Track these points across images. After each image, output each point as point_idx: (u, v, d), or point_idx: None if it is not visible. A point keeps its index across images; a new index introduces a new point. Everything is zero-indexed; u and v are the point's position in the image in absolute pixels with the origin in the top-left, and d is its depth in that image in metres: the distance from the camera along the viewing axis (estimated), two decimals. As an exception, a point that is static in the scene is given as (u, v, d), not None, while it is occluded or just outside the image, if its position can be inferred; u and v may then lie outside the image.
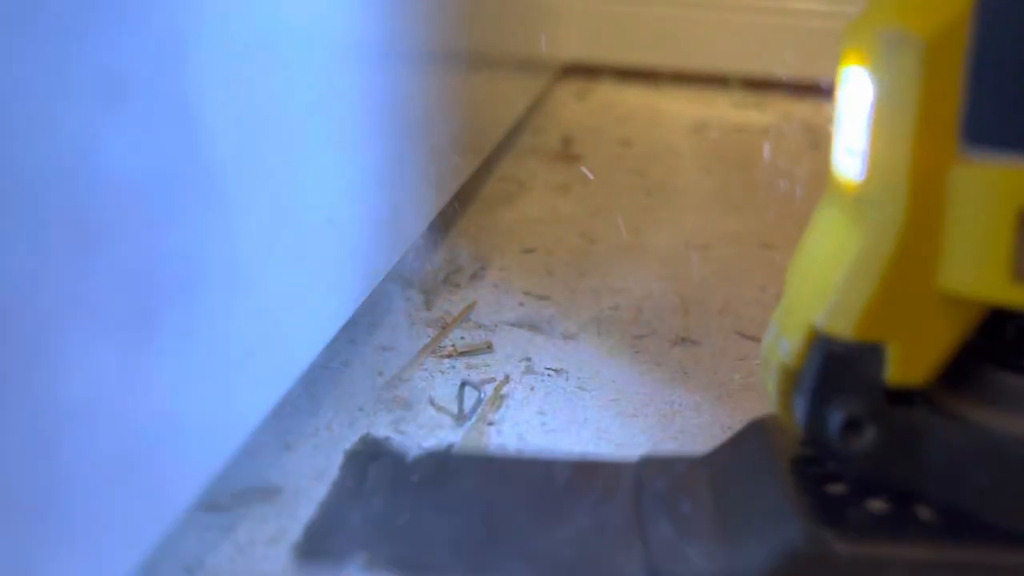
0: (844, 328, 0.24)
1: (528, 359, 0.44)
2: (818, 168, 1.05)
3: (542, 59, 1.34)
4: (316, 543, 0.27)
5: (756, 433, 0.29)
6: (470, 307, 0.49)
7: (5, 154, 0.16)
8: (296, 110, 0.30)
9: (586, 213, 0.71)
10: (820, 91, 1.75)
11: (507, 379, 0.41)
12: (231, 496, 0.32)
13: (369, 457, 0.31)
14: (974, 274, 0.22)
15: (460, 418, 0.37)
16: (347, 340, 0.45)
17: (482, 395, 0.39)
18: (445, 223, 0.65)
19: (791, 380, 0.25)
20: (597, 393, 0.40)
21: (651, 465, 0.31)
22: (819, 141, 1.20)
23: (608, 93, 1.67)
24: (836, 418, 0.24)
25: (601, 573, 0.26)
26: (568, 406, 0.39)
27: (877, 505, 0.25)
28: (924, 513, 0.25)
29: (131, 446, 0.21)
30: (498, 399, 0.39)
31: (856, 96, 0.24)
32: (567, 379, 0.42)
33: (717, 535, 0.26)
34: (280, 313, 0.30)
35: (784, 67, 1.75)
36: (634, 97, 1.65)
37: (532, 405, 0.39)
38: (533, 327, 0.47)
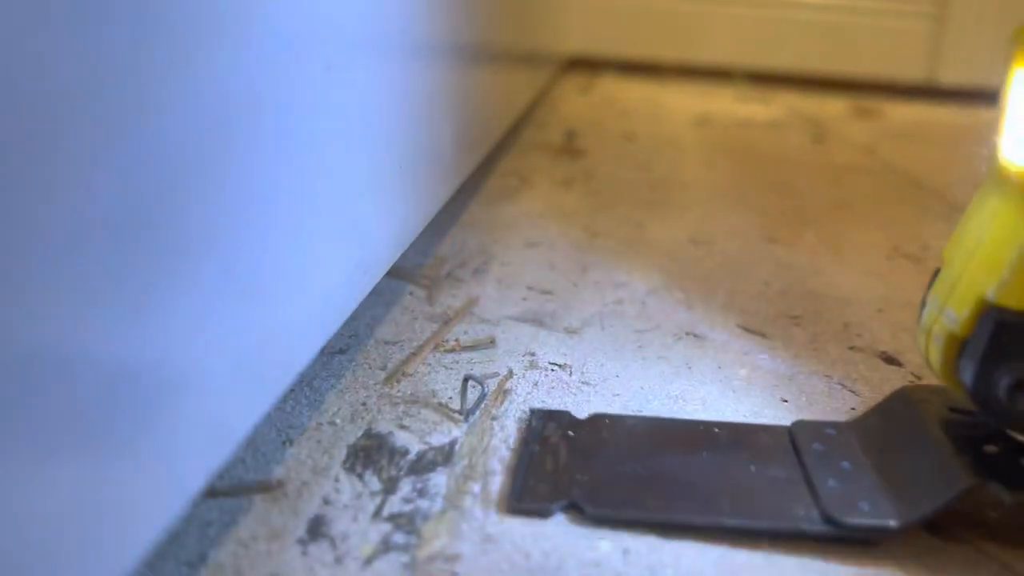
0: (1015, 301, 0.27)
1: (531, 354, 0.43)
2: (822, 162, 1.05)
3: (546, 53, 1.34)
4: (520, 498, 0.30)
5: (903, 401, 0.33)
6: (472, 303, 0.49)
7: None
8: (308, 105, 0.30)
9: (589, 208, 0.71)
10: (825, 85, 1.74)
11: (510, 374, 0.41)
12: (233, 489, 0.31)
13: (543, 421, 0.36)
14: None
15: (464, 413, 0.37)
16: (349, 335, 0.44)
17: (485, 390, 0.39)
18: (448, 217, 0.65)
19: (957, 347, 0.28)
20: (601, 388, 0.40)
21: (803, 429, 0.34)
22: (823, 135, 1.20)
23: (611, 87, 1.67)
24: (1005, 380, 0.27)
25: (783, 519, 0.29)
26: (571, 401, 0.39)
27: None
28: None
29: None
30: (501, 394, 0.39)
31: None
32: (570, 374, 0.42)
33: (882, 489, 0.29)
34: (283, 307, 0.30)
35: (788, 61, 1.74)
36: (637, 91, 1.65)
37: (535, 400, 0.39)
38: (536, 321, 0.47)
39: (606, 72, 1.88)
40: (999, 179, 0.30)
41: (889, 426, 0.32)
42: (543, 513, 0.30)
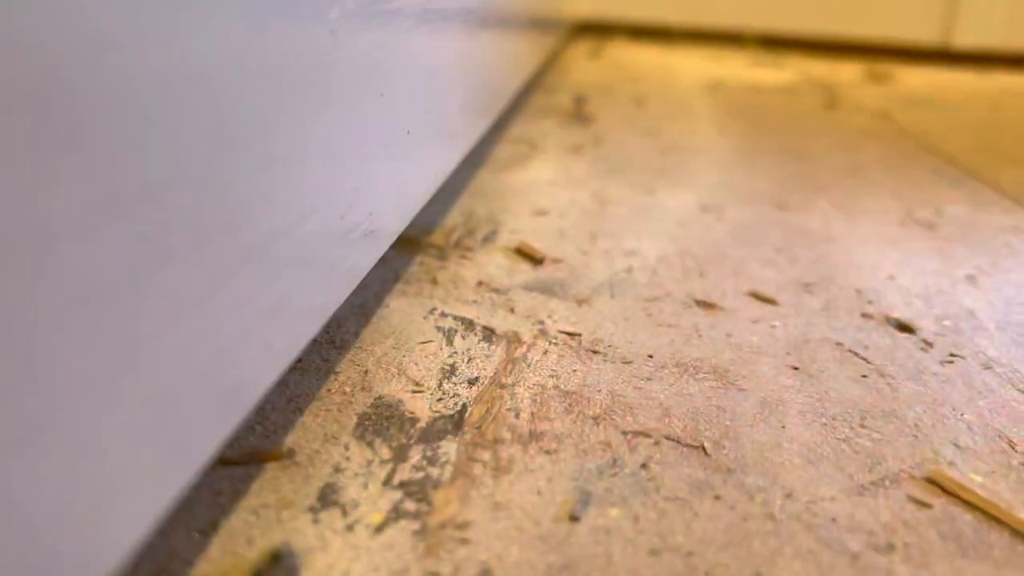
0: None
1: (541, 322, 0.43)
2: (835, 127, 1.04)
3: (554, 17, 1.33)
4: None
5: None
6: (480, 274, 0.49)
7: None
8: (311, 70, 0.30)
9: (599, 175, 0.71)
10: (838, 49, 1.71)
11: (518, 341, 0.41)
12: (244, 457, 0.32)
13: None
14: None
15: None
16: (359, 302, 0.44)
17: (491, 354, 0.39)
18: (457, 184, 0.65)
19: None
20: (611, 356, 0.40)
21: None
22: (836, 100, 1.18)
23: (621, 51, 1.65)
24: None
25: None
26: (581, 369, 0.39)
27: None
28: None
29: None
30: (511, 362, 0.39)
31: None
32: (580, 342, 0.41)
33: None
34: (291, 274, 0.30)
35: (801, 23, 1.72)
36: (648, 55, 1.63)
37: (545, 368, 0.39)
38: (546, 290, 0.47)
39: (616, 36, 1.86)
40: None
41: None
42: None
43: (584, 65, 1.42)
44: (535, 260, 0.51)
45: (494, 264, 0.50)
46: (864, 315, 0.46)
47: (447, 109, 0.50)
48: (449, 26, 0.49)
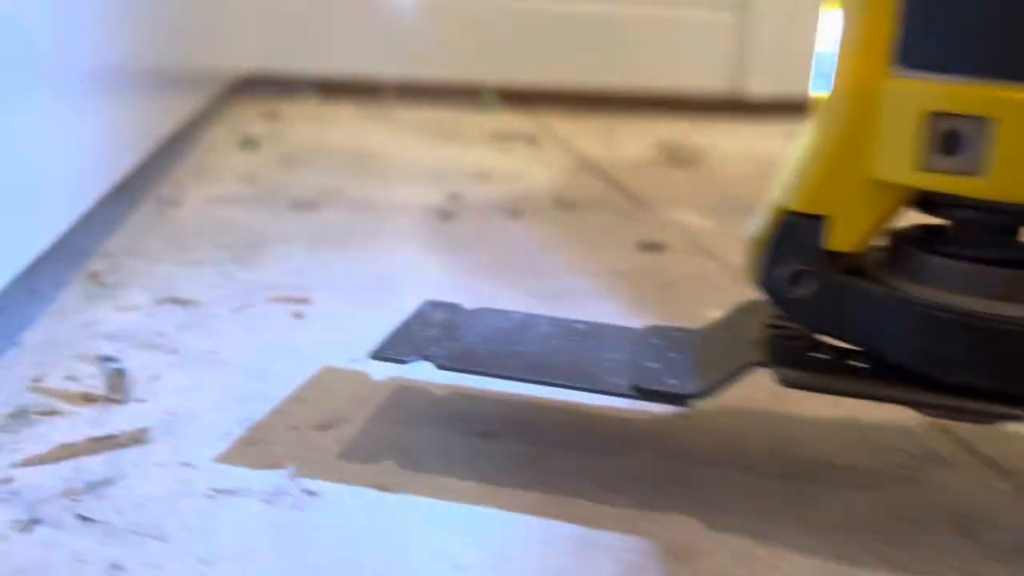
0: (795, 203, 0.30)
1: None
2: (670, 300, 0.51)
3: (196, 71, 0.77)
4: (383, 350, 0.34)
5: (744, 310, 0.36)
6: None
7: None
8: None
9: None
10: (613, 102, 1.27)
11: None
12: None
13: (433, 307, 0.39)
14: (892, 164, 0.29)
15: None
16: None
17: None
18: None
19: (760, 249, 0.32)
20: None
21: (655, 329, 0.38)
22: (646, 218, 0.72)
23: (299, 124, 1.09)
24: (783, 271, 0.31)
25: (598, 383, 0.33)
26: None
27: (820, 355, 0.31)
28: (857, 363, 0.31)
29: None
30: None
31: (833, 31, 0.30)
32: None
33: (692, 371, 0.33)
34: None
35: (548, 73, 1.27)
36: (343, 130, 1.09)
37: None
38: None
39: (300, 94, 1.29)
40: (811, 112, 0.32)
41: (724, 329, 0.36)
42: (399, 361, 0.34)
43: (235, 159, 0.86)
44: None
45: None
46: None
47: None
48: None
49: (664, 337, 0.36)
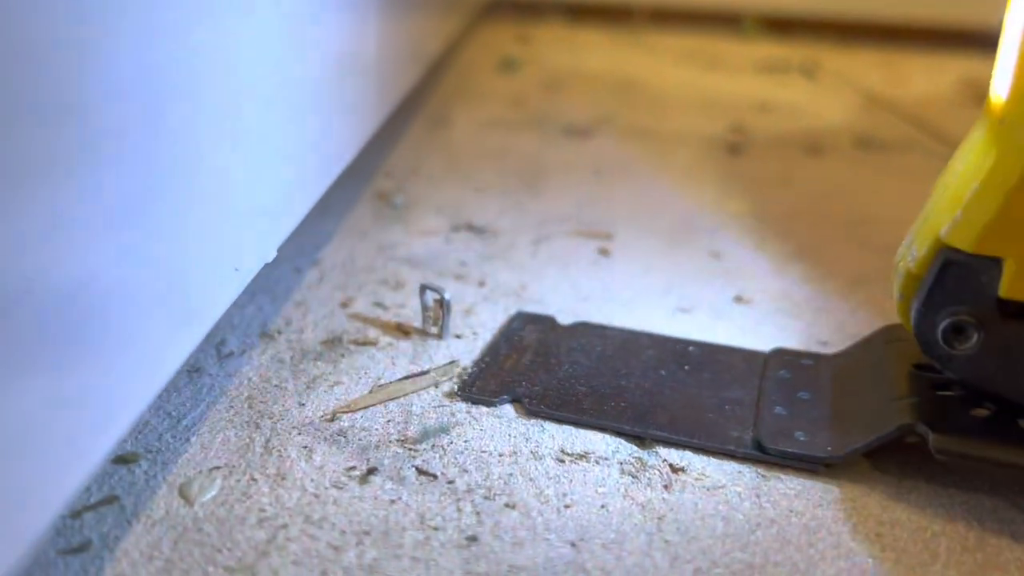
0: (965, 241, 0.25)
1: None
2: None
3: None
4: (469, 388, 0.31)
5: (884, 338, 0.31)
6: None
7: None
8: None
9: None
10: (892, 34, 1.14)
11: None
12: None
13: (523, 323, 0.35)
14: None
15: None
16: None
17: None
18: None
19: (914, 286, 0.27)
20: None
21: (779, 356, 0.33)
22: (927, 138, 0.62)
23: (551, 48, 1.04)
24: (943, 319, 0.26)
25: (715, 439, 0.28)
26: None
27: (981, 412, 0.26)
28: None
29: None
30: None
31: (1014, 16, 0.25)
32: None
33: (828, 421, 0.28)
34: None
35: (820, 3, 1.14)
36: (598, 55, 1.03)
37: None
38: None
39: (549, 17, 1.25)
40: (984, 111, 0.27)
41: (862, 362, 0.31)
42: (488, 403, 0.30)
43: (493, 82, 0.82)
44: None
45: None
46: None
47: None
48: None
49: (792, 368, 0.32)
